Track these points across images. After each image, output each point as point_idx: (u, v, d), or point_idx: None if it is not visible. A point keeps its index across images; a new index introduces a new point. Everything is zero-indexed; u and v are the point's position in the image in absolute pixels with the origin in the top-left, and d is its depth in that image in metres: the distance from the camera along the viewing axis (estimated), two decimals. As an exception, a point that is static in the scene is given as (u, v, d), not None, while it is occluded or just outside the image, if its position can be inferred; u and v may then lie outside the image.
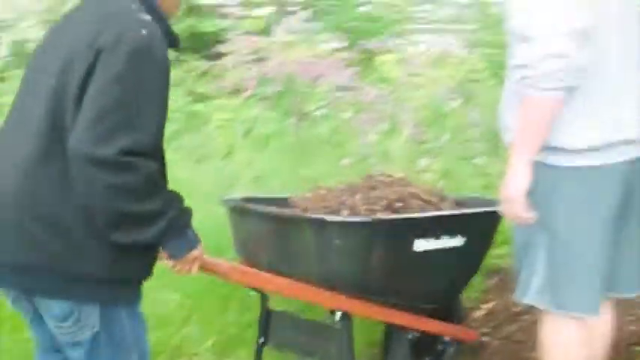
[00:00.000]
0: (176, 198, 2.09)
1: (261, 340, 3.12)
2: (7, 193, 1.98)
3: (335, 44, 8.69)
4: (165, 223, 2.00)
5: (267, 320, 3.09)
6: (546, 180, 2.26)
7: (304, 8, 8.96)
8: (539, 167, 2.26)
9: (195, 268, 2.21)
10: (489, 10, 10.60)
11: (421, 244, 2.80)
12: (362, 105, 6.45)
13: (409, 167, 5.08)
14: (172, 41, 2.12)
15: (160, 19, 2.07)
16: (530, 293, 2.36)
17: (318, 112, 6.61)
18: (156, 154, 2.01)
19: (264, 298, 3.10)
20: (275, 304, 3.22)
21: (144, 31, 1.96)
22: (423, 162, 5.41)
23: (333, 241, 2.68)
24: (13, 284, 2.09)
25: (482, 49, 9.22)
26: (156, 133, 1.99)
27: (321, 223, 2.75)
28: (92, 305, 2.03)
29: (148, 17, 2.01)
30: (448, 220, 2.99)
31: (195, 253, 2.16)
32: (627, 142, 2.25)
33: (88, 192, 1.91)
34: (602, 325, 2.49)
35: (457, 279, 3.16)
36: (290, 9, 8.71)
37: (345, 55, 7.06)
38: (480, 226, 3.05)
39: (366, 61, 8.23)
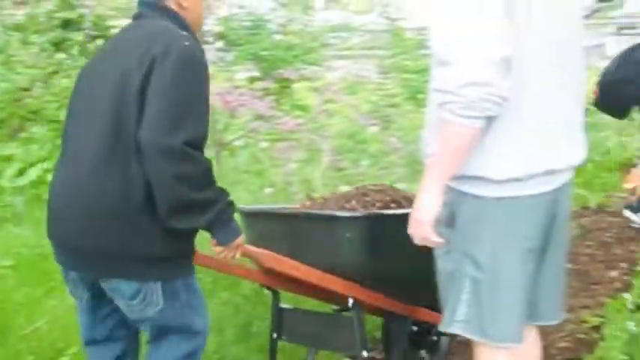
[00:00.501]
0: (224, 191, 2.34)
1: (275, 335, 3.27)
2: (79, 187, 2.28)
3: (251, 74, 8.68)
4: (216, 212, 2.27)
5: (279, 316, 3.26)
6: (471, 210, 2.24)
7: (219, 38, 8.95)
8: (463, 197, 2.24)
9: (238, 254, 2.48)
10: (403, 36, 10.82)
11: None
12: (280, 134, 6.46)
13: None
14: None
15: (192, 35, 2.42)
16: (456, 323, 2.34)
17: (237, 142, 6.59)
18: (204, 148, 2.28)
19: (275, 296, 3.25)
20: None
21: (187, 43, 2.29)
22: (344, 189, 5.44)
23: (344, 234, 2.87)
24: (86, 269, 2.36)
25: (398, 74, 9.38)
26: (205, 129, 2.26)
27: (334, 219, 2.96)
28: (155, 283, 2.31)
29: (185, 32, 2.37)
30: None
31: (238, 241, 2.42)
32: (551, 173, 2.23)
33: (157, 179, 2.17)
34: (531, 348, 2.50)
35: None
36: (205, 39, 8.68)
37: (261, 84, 7.06)
38: None
39: (283, 89, 8.27)
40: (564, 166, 2.25)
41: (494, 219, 2.21)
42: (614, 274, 4.47)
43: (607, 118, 7.84)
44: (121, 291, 2.34)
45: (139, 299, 2.33)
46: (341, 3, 16.10)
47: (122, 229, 2.24)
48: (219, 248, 2.42)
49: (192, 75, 2.26)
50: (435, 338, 3.43)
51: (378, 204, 3.19)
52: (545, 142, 2.18)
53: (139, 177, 2.21)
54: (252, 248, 2.76)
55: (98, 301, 2.45)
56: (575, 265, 4.54)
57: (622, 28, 34.33)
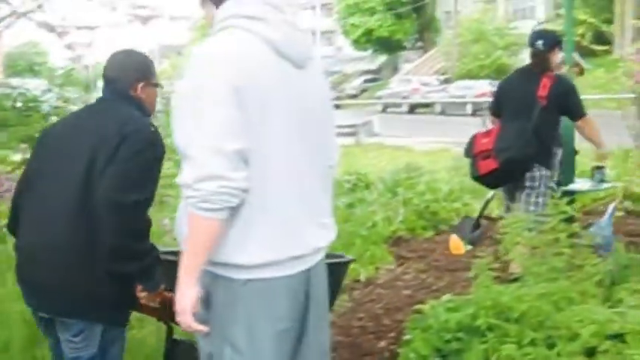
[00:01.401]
0: (155, 246, 2.89)
1: None
2: (49, 239, 2.79)
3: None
4: (149, 261, 2.82)
5: (172, 348, 3.48)
6: (224, 293, 2.31)
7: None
8: (216, 280, 2.32)
9: (157, 302, 2.95)
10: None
11: None
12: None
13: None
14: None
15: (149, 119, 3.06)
16: None
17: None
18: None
19: (169, 329, 3.45)
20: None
21: (152, 129, 2.91)
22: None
23: None
24: (48, 308, 2.85)
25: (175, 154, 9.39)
26: (152, 195, 2.83)
27: None
28: (98, 325, 2.83)
29: (146, 119, 3.01)
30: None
31: (160, 289, 2.91)
32: (299, 257, 2.34)
33: (108, 227, 2.68)
34: None
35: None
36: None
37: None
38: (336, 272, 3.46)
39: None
40: (310, 250, 2.37)
41: (247, 301, 2.29)
42: (383, 344, 4.71)
43: (375, 195, 8.42)
44: (68, 326, 2.83)
45: (81, 338, 2.82)
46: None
47: (81, 274, 2.75)
48: (143, 293, 2.90)
49: (152, 154, 2.85)
50: None
51: None
52: (289, 229, 2.31)
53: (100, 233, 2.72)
54: (170, 294, 2.94)
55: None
56: (346, 338, 4.76)
57: (387, 106, 36.86)
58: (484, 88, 32.30)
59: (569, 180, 7.26)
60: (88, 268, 2.75)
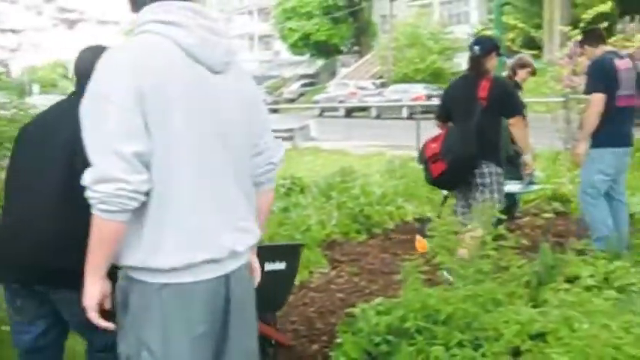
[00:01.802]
0: None
1: None
2: (43, 219, 2.88)
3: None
4: None
5: None
6: (140, 296, 2.32)
7: None
8: (133, 283, 2.32)
9: None
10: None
11: (268, 266, 3.79)
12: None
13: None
14: None
15: None
16: None
17: None
18: None
19: None
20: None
21: None
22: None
23: None
24: (43, 282, 2.93)
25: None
26: None
27: None
28: None
29: None
30: (278, 249, 4.18)
31: None
32: (213, 262, 2.34)
33: None
34: None
35: (284, 292, 4.25)
36: None
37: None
38: (291, 255, 4.14)
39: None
40: (226, 254, 2.37)
41: (162, 305, 2.29)
42: (315, 347, 4.71)
43: (309, 199, 8.43)
44: (69, 300, 2.82)
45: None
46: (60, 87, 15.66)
47: (73, 252, 2.60)
48: None
49: None
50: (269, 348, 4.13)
51: None
52: (202, 232, 2.31)
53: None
54: None
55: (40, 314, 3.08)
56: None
57: (324, 111, 36.90)
58: (419, 92, 32.74)
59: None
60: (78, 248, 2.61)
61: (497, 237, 3.94)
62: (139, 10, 2.38)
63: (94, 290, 2.32)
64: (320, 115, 35.57)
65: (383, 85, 39.30)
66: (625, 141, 5.92)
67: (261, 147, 2.55)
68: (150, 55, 2.26)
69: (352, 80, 41.91)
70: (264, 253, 3.69)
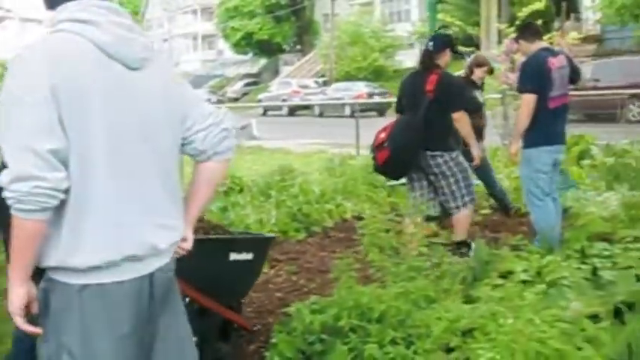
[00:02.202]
0: None
1: None
2: None
3: None
4: None
5: None
6: (60, 298, 2.29)
7: None
8: (54, 284, 2.29)
9: None
10: None
11: (234, 256, 4.04)
12: None
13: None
14: None
15: None
16: None
17: None
18: None
19: None
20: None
21: None
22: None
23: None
24: None
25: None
26: None
27: None
28: None
29: None
30: (247, 241, 4.36)
31: None
32: (135, 259, 2.33)
33: None
34: None
35: (250, 281, 4.46)
36: None
37: None
38: (260, 247, 4.36)
39: None
40: (148, 251, 2.35)
41: (82, 307, 2.26)
42: (253, 347, 4.67)
43: (248, 198, 8.39)
44: None
45: None
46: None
47: None
48: None
49: None
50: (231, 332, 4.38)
51: (200, 231, 4.13)
52: (121, 229, 2.28)
53: None
54: None
55: None
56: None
57: (267, 110, 36.83)
58: (361, 90, 32.89)
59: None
60: None
61: (431, 234, 3.95)
62: (54, 8, 2.35)
63: (18, 293, 2.27)
64: (263, 114, 35.50)
65: (325, 83, 39.40)
66: (558, 140, 5.96)
67: (200, 122, 2.50)
68: (65, 53, 2.24)
69: (295, 79, 41.88)
70: (234, 243, 4.18)
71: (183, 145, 2.52)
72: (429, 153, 5.91)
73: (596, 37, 33.14)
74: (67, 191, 2.19)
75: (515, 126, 5.96)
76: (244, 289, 4.51)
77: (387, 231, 3.96)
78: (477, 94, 7.25)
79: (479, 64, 7.60)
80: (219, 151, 2.54)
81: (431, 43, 6.11)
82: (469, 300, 4.31)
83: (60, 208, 2.20)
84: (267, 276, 6.19)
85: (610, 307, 3.71)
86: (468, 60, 7.96)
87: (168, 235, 2.42)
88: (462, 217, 6.05)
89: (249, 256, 4.12)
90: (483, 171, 7.48)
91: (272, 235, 5.22)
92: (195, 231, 3.72)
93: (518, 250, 5.10)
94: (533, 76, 5.75)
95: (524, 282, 4.38)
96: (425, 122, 5.81)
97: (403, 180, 8.66)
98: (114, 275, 2.28)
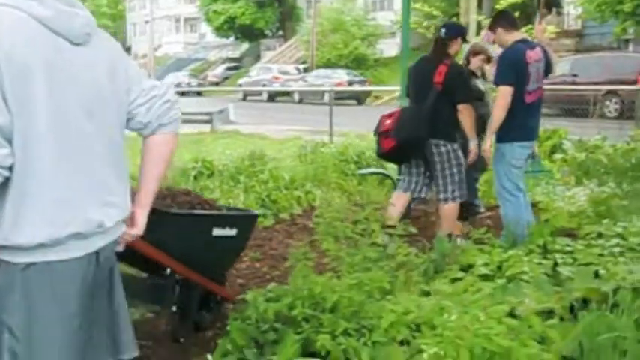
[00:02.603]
0: None
1: None
2: None
3: None
4: None
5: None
6: (5, 277, 2.24)
7: None
8: None
9: None
10: None
11: (217, 231, 4.14)
12: None
13: None
14: None
15: None
16: None
17: None
18: None
19: None
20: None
21: None
22: None
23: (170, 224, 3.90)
24: None
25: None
26: None
27: (165, 214, 3.89)
28: None
29: None
30: (231, 217, 4.42)
31: None
32: (82, 237, 2.30)
33: None
34: None
35: (233, 255, 4.66)
36: None
37: None
38: (244, 224, 4.49)
39: None
40: (93, 228, 2.32)
41: (28, 285, 2.22)
42: (209, 334, 4.61)
43: (217, 182, 8.31)
44: None
45: None
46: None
47: None
48: None
49: None
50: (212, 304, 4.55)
51: (186, 206, 4.29)
52: (65, 206, 2.24)
53: None
54: None
55: None
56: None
57: (247, 94, 36.61)
58: (342, 78, 32.77)
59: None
60: None
61: (388, 226, 3.91)
62: None
63: None
64: (243, 98, 35.32)
65: (306, 70, 39.23)
66: (532, 135, 5.91)
67: (142, 95, 2.49)
68: (6, 28, 2.17)
69: (276, 64, 41.69)
70: (218, 219, 4.29)
71: (128, 120, 2.49)
72: (432, 141, 5.94)
73: (576, 32, 33.25)
74: (10, 168, 2.14)
75: (491, 120, 5.86)
76: (227, 263, 4.69)
77: (343, 220, 3.90)
78: (478, 82, 7.13)
79: (475, 52, 7.43)
80: (164, 123, 2.52)
81: (443, 30, 6.11)
82: (426, 293, 4.29)
83: (5, 186, 2.16)
84: (230, 262, 6.13)
85: (565, 303, 3.69)
86: (465, 49, 7.84)
87: (115, 212, 2.39)
88: (449, 211, 6.09)
89: (232, 232, 4.22)
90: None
91: (256, 212, 5.30)
92: (182, 205, 4.27)
93: (482, 244, 5.07)
94: (511, 69, 5.65)
95: (484, 276, 4.35)
96: (432, 112, 5.86)
97: (373, 169, 8.70)
98: (59, 253, 2.25)
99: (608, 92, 17.30)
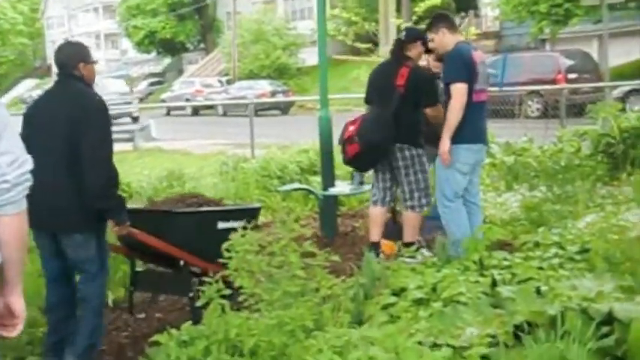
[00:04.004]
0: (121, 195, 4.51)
1: (132, 288, 5.21)
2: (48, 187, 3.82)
3: None
4: (119, 201, 4.33)
5: (134, 276, 5.18)
6: None
7: None
8: None
9: (126, 232, 4.34)
10: None
11: (222, 224, 4.74)
12: None
13: None
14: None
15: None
16: None
17: None
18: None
19: (132, 262, 5.19)
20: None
21: (98, 97, 4.24)
22: None
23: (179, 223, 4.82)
24: (52, 226, 4.15)
25: None
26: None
27: (173, 214, 4.92)
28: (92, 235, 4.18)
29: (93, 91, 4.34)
30: (233, 211, 5.02)
31: (127, 224, 4.30)
32: None
33: (95, 177, 4.05)
34: None
35: None
36: None
37: None
38: (248, 216, 4.81)
39: None
40: None
41: None
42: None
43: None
44: (74, 240, 4.15)
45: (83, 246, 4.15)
46: None
47: (71, 211, 4.06)
48: (115, 228, 4.25)
49: (106, 117, 4.20)
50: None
51: (195, 205, 5.11)
52: None
53: (79, 183, 4.01)
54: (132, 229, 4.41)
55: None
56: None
57: (171, 110, 35.93)
58: (264, 88, 32.37)
59: (329, 184, 7.08)
60: (75, 209, 4.05)
61: (306, 254, 3.51)
62: None
63: None
64: (167, 114, 34.60)
65: (229, 82, 38.69)
66: (481, 137, 5.59)
67: None
68: None
69: (198, 78, 41.02)
70: (221, 214, 4.92)
71: None
72: (397, 145, 5.83)
73: (495, 33, 33.61)
74: None
75: (447, 120, 5.41)
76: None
77: (258, 252, 3.48)
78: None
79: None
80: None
81: (403, 33, 6.12)
82: (359, 321, 3.92)
83: None
84: (114, 314, 5.59)
85: (508, 328, 3.35)
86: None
87: None
88: (413, 218, 5.97)
89: (235, 224, 4.51)
90: None
91: (258, 205, 5.93)
92: (191, 206, 5.03)
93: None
94: (463, 67, 5.35)
95: (418, 300, 4.00)
96: (395, 116, 5.74)
97: (296, 185, 8.32)
98: None
99: (531, 92, 17.31)
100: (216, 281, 3.39)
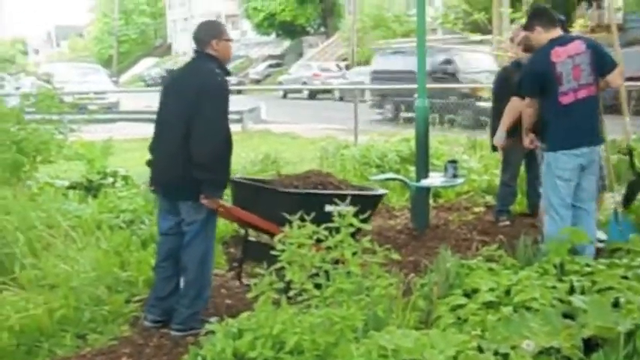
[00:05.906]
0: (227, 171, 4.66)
1: (242, 256, 5.62)
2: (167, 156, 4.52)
3: None
4: (219, 177, 4.49)
5: (246, 244, 5.55)
6: None
7: None
8: None
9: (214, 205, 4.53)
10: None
11: (329, 207, 4.76)
12: None
13: None
14: (228, 74, 4.78)
15: (225, 69, 4.65)
16: None
17: None
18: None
19: (246, 231, 5.51)
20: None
21: (220, 78, 4.52)
22: None
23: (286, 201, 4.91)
24: (170, 191, 4.60)
25: None
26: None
27: (280, 193, 5.09)
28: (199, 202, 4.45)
29: (218, 70, 4.55)
30: (347, 196, 4.69)
31: (217, 200, 4.52)
32: None
33: (200, 156, 4.38)
34: None
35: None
36: None
37: None
38: (364, 202, 4.90)
39: None
40: None
41: None
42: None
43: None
44: (183, 206, 4.54)
45: (194, 208, 4.47)
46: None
47: (187, 176, 4.37)
48: (205, 200, 4.42)
49: (225, 98, 4.50)
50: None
51: (310, 185, 5.24)
52: None
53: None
54: (224, 203, 4.85)
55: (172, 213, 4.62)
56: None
57: (287, 92, 36.20)
58: (382, 75, 32.12)
59: (423, 174, 6.91)
60: (189, 180, 4.35)
61: (363, 251, 3.39)
62: None
63: None
64: (284, 96, 34.92)
65: (347, 67, 38.66)
66: (578, 141, 5.15)
67: None
68: None
69: (317, 62, 41.18)
70: (334, 197, 4.81)
71: None
72: None
73: (617, 25, 32.05)
74: None
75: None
76: None
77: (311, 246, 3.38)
78: None
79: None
80: None
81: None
82: (427, 324, 3.80)
83: None
84: (223, 279, 5.66)
85: (576, 342, 3.15)
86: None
87: None
88: None
89: (347, 208, 4.37)
90: None
91: (383, 191, 5.96)
92: (307, 185, 5.17)
93: (492, 261, 4.54)
94: (528, 82, 5.30)
95: (488, 303, 3.83)
96: None
97: (389, 175, 8.16)
98: None
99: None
100: (270, 274, 3.33)
